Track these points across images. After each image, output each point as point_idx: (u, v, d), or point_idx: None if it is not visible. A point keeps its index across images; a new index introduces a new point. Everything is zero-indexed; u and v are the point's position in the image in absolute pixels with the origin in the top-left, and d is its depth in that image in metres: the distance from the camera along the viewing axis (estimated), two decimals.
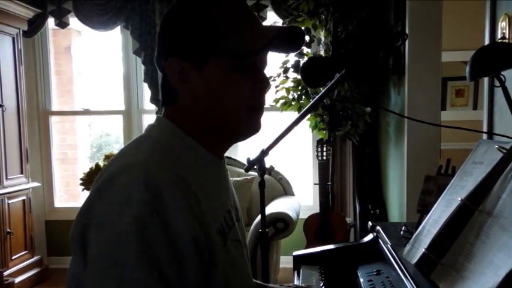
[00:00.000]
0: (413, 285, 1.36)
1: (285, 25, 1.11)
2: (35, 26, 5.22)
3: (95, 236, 1.01)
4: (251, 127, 1.22)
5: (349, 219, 4.55)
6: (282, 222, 3.95)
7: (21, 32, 4.97)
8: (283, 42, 1.19)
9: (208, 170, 1.20)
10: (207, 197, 1.12)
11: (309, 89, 4.25)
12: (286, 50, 1.27)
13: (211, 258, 1.08)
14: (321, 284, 1.82)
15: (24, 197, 5.00)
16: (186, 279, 1.03)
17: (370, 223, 2.10)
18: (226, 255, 1.14)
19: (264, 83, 1.20)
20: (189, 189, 1.07)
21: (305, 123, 4.36)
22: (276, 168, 4.83)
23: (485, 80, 2.45)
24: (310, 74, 1.95)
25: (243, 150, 5.39)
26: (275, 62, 4.38)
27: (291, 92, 4.36)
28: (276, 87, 4.35)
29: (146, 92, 5.42)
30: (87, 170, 4.74)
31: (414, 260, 1.42)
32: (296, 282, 1.89)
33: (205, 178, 1.17)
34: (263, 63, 1.22)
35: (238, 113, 1.18)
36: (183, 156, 1.15)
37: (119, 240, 0.98)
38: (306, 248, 3.89)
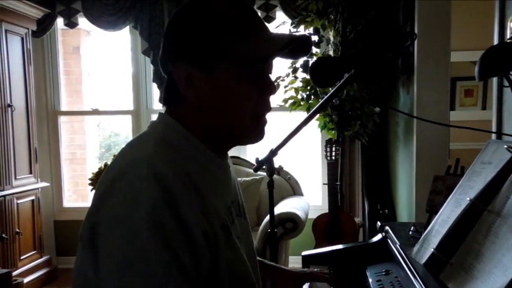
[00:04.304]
0: (422, 285, 1.36)
1: (295, 34, 1.10)
2: (44, 26, 5.24)
3: (107, 235, 1.00)
4: (255, 134, 1.23)
5: (358, 219, 4.54)
6: (291, 222, 3.95)
7: (30, 32, 4.99)
8: (291, 50, 1.19)
9: (209, 167, 1.21)
10: (208, 193, 1.12)
11: (317, 89, 4.24)
12: (293, 56, 1.27)
13: (216, 252, 1.09)
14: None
15: (33, 197, 5.01)
16: (201, 272, 1.04)
17: (379, 223, 2.10)
18: (229, 250, 1.15)
19: (271, 89, 1.21)
20: (193, 185, 1.08)
21: (314, 123, 4.36)
22: (284, 168, 4.81)
23: (494, 80, 2.45)
24: (319, 74, 1.94)
25: (252, 150, 5.39)
26: (284, 62, 4.36)
27: (300, 92, 4.34)
28: (285, 87, 4.33)
29: (155, 92, 5.44)
30: (96, 170, 4.74)
31: (423, 260, 1.42)
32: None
33: (206, 174, 1.18)
34: (270, 69, 1.22)
35: (244, 120, 1.19)
36: (185, 152, 1.16)
37: (135, 237, 0.97)
38: (314, 248, 3.88)
